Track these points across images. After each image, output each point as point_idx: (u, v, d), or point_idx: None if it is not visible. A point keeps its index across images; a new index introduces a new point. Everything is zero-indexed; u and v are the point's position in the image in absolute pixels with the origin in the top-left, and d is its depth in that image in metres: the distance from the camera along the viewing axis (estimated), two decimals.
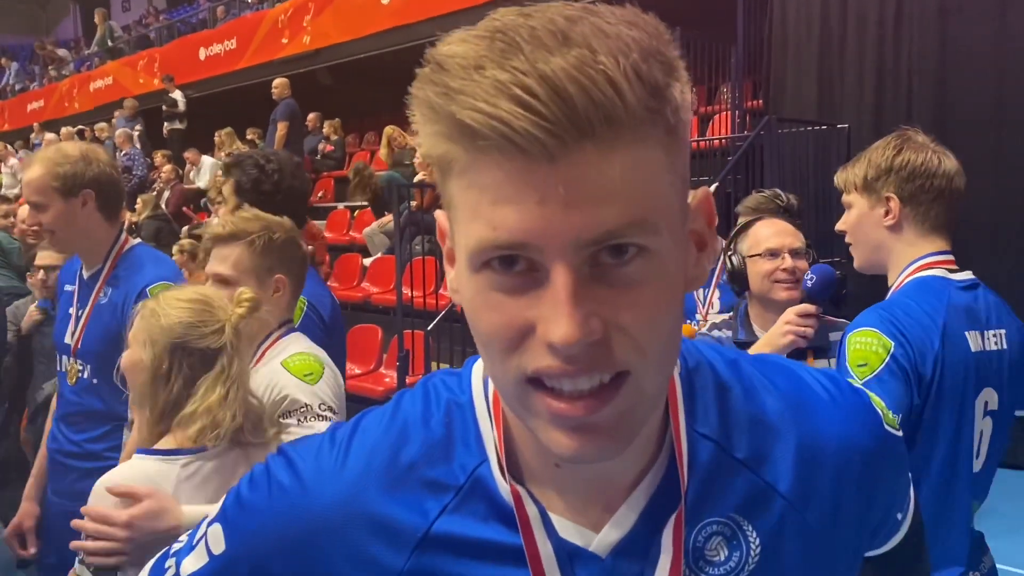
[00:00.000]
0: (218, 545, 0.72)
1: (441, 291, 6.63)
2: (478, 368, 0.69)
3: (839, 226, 1.81)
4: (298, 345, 1.84)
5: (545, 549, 0.63)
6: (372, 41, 10.33)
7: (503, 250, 0.52)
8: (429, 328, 5.57)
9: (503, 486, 0.64)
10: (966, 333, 1.65)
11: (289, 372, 1.74)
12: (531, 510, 0.64)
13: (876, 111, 6.18)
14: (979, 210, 5.03)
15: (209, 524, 0.74)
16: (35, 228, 2.28)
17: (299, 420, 1.67)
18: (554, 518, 0.64)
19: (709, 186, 0.58)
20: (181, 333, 1.52)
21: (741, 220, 2.56)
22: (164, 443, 1.51)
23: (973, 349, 1.66)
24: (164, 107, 12.26)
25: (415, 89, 0.54)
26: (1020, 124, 5.52)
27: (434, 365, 5.75)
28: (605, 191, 0.51)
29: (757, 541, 0.65)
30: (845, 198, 1.79)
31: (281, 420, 1.67)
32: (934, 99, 5.88)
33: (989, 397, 1.68)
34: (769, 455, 0.66)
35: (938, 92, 5.88)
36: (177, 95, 12.35)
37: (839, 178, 1.80)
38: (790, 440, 0.67)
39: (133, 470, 1.49)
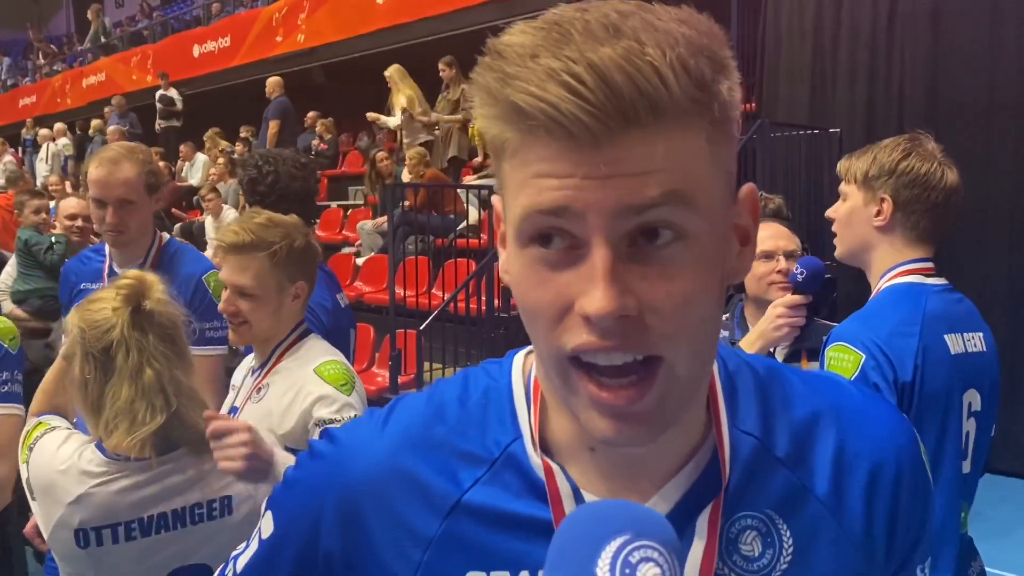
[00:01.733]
0: (267, 529, 0.73)
1: (433, 291, 6.63)
2: (520, 356, 0.71)
3: (829, 213, 1.82)
4: (323, 349, 1.86)
5: None
6: (367, 40, 10.32)
7: (545, 216, 0.55)
8: (422, 328, 5.57)
9: (536, 462, 0.66)
10: (945, 336, 1.67)
11: (324, 380, 1.76)
12: (563, 486, 0.65)
13: (868, 116, 6.21)
14: (968, 214, 5.06)
15: (262, 514, 0.75)
16: (116, 228, 2.25)
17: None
18: (588, 496, 0.65)
19: None
20: (82, 338, 1.49)
21: None
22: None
23: (953, 351, 1.67)
24: (160, 105, 12.20)
25: (475, 75, 0.57)
26: (1011, 129, 5.55)
27: (426, 365, 5.75)
28: (645, 169, 0.54)
29: (791, 541, 0.65)
30: (842, 187, 1.79)
31: (315, 427, 1.69)
32: (926, 104, 5.91)
33: (972, 398, 1.70)
34: (807, 457, 0.67)
35: (930, 97, 5.91)
36: (173, 93, 12.31)
37: (842, 165, 1.81)
38: (828, 445, 0.68)
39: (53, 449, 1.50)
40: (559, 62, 0.53)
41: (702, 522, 0.64)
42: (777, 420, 0.68)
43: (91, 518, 1.44)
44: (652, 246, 0.55)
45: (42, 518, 1.47)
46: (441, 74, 8.19)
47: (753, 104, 7.05)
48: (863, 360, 1.60)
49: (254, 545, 0.75)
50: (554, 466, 0.65)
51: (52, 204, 8.46)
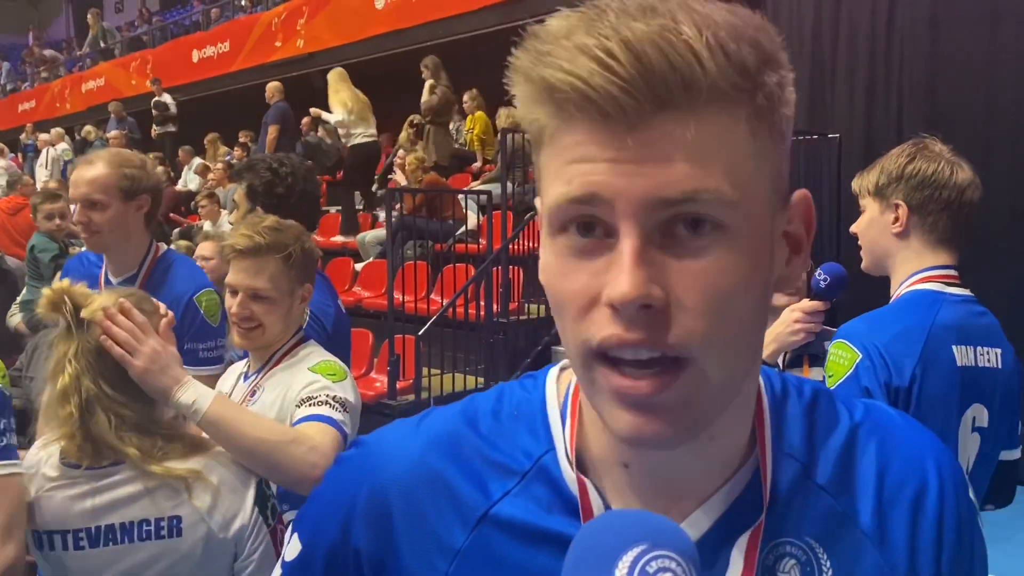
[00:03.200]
0: (293, 550, 0.71)
1: (432, 296, 6.62)
2: (555, 369, 0.70)
3: (852, 228, 1.84)
4: (319, 354, 1.86)
5: None
6: (366, 45, 10.34)
7: (575, 205, 0.54)
8: (420, 333, 5.57)
9: (569, 476, 0.64)
10: (953, 347, 1.65)
11: (314, 372, 1.76)
12: (596, 502, 0.63)
13: (867, 121, 6.22)
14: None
15: (287, 540, 0.73)
16: (82, 226, 2.26)
17: (309, 404, 1.67)
18: None
19: None
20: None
21: None
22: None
23: (959, 363, 1.65)
24: (155, 111, 12.20)
25: (513, 59, 0.56)
26: (1010, 134, 5.56)
27: (425, 370, 5.74)
28: (680, 154, 0.52)
29: (831, 571, 0.63)
30: (861, 202, 1.81)
31: (295, 408, 1.68)
32: (924, 110, 5.92)
33: (978, 413, 1.68)
34: (849, 484, 0.65)
35: (928, 103, 5.92)
36: (167, 99, 12.31)
37: (855, 184, 1.83)
38: (870, 472, 0.65)
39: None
40: (592, 39, 0.51)
41: (740, 546, 0.62)
42: (822, 445, 0.66)
43: (45, 522, 1.45)
44: (690, 236, 0.53)
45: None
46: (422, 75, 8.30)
47: None
48: (859, 360, 1.60)
49: (276, 572, 0.73)
50: (587, 481, 0.63)
51: None
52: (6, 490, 1.42)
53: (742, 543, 0.62)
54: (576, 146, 0.53)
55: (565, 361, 0.67)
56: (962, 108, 5.69)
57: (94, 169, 2.26)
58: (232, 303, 1.81)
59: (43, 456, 1.49)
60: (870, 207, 1.78)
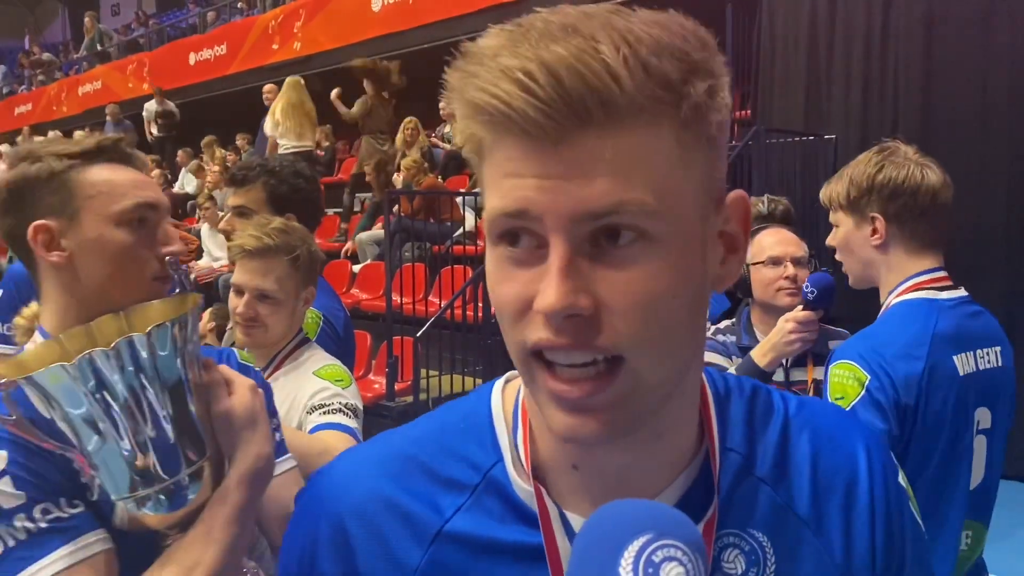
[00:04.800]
0: None
1: (430, 298, 6.62)
2: (500, 381, 0.72)
3: (829, 241, 1.80)
4: (322, 356, 1.86)
5: (564, 545, 0.63)
6: (362, 48, 10.32)
7: (508, 219, 0.56)
8: (418, 335, 5.56)
9: (519, 485, 0.65)
10: (954, 357, 1.63)
11: (321, 378, 1.77)
12: (551, 506, 0.64)
13: (863, 122, 6.23)
14: (963, 220, 5.07)
15: None
16: None
17: (323, 411, 1.69)
18: (571, 517, 0.64)
19: None
20: None
21: None
22: None
23: (962, 373, 1.63)
24: (159, 120, 12.16)
25: (446, 77, 0.58)
26: (1005, 134, 5.58)
27: (423, 372, 5.74)
28: (602, 169, 0.53)
29: (774, 559, 0.65)
30: (831, 216, 1.77)
31: (307, 415, 1.68)
32: (920, 110, 5.94)
33: (982, 416, 1.67)
34: (786, 475, 0.68)
35: (924, 103, 5.94)
36: (172, 106, 12.28)
37: (823, 195, 1.79)
38: (804, 462, 0.68)
39: None
40: (514, 60, 0.53)
41: None
42: (761, 439, 0.68)
43: None
44: (613, 246, 0.55)
45: None
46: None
47: (748, 111, 7.07)
48: (868, 380, 1.57)
49: None
50: (542, 489, 0.64)
51: None
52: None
53: None
54: (507, 161, 0.56)
55: (511, 373, 0.70)
56: (957, 108, 5.71)
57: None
58: (238, 303, 1.81)
59: None
60: (843, 221, 1.74)
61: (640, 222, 0.54)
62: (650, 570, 0.49)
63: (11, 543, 1.01)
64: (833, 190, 1.76)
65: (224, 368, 1.07)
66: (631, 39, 0.53)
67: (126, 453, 0.96)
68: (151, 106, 12.19)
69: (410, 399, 5.64)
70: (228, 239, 2.30)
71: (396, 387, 5.70)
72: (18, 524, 1.01)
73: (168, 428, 0.98)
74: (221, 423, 1.03)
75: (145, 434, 0.96)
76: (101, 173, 1.16)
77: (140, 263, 1.15)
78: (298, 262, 1.80)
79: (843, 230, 1.75)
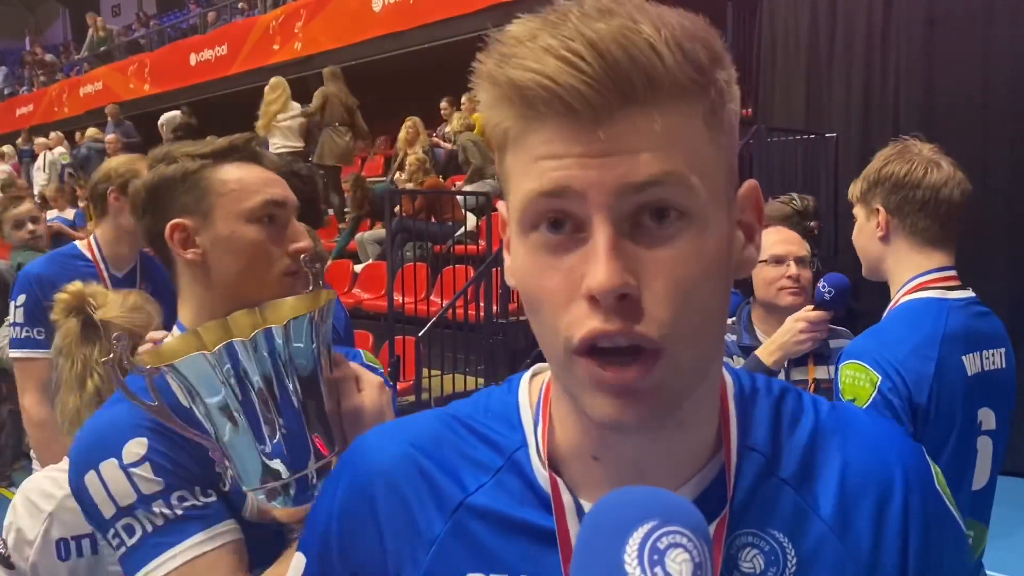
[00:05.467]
0: (298, 568, 0.73)
1: (432, 297, 6.63)
2: (527, 375, 0.73)
3: (852, 236, 1.84)
4: None
5: (576, 533, 0.62)
6: (364, 48, 10.34)
7: (548, 199, 0.56)
8: (420, 334, 5.57)
9: (540, 471, 0.66)
10: (963, 358, 1.64)
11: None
12: (567, 499, 0.65)
13: (864, 120, 6.24)
14: (964, 219, 5.06)
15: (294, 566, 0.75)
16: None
17: None
18: (587, 508, 0.64)
19: None
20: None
21: None
22: None
23: (970, 373, 1.64)
24: (178, 131, 12.09)
25: (476, 64, 0.58)
26: (1006, 133, 5.58)
27: (425, 371, 5.75)
28: (646, 145, 0.54)
29: (794, 561, 0.64)
30: (854, 211, 1.81)
31: None
32: (921, 108, 5.93)
33: (985, 417, 1.67)
34: (812, 478, 0.67)
35: (925, 101, 5.94)
36: (194, 123, 12.25)
37: (850, 192, 1.83)
38: (834, 467, 0.67)
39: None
40: (556, 40, 0.54)
41: None
42: (785, 439, 0.68)
43: (73, 526, 1.44)
44: (656, 226, 0.55)
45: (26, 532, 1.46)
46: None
47: (749, 110, 7.07)
48: (880, 381, 1.57)
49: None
50: (559, 479, 0.65)
51: (52, 215, 8.48)
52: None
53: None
54: (543, 144, 0.55)
55: (536, 367, 0.72)
56: (958, 107, 5.71)
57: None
58: None
59: (59, 478, 1.45)
60: (858, 214, 1.79)
61: (680, 198, 0.55)
62: (655, 556, 0.49)
63: (149, 528, 1.04)
64: (854, 185, 1.80)
65: (355, 365, 1.07)
66: (665, 21, 0.55)
67: (259, 445, 0.98)
68: (174, 117, 12.10)
69: (412, 399, 5.65)
70: None
71: (398, 387, 5.71)
72: (156, 510, 1.04)
73: (301, 419, 0.99)
74: (350, 419, 1.03)
75: (278, 426, 0.97)
76: (232, 172, 1.20)
77: (270, 259, 1.18)
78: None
79: (858, 223, 1.79)
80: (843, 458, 0.67)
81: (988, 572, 1.83)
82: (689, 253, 0.56)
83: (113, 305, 1.51)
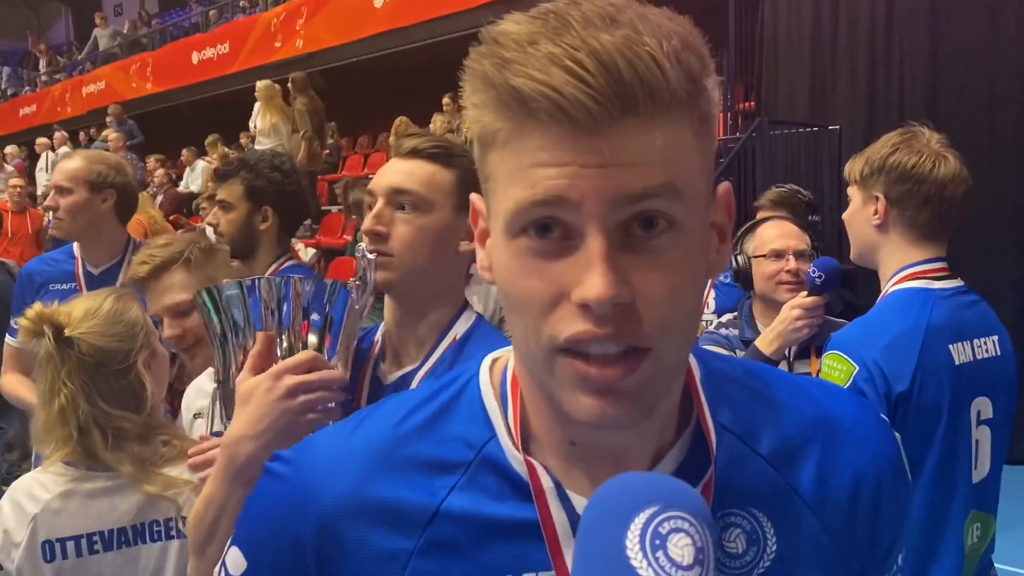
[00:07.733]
0: (237, 565, 0.69)
1: None
2: (487, 359, 0.71)
3: (843, 216, 1.81)
4: None
5: (560, 518, 0.63)
6: (365, 45, 10.34)
7: (540, 207, 0.55)
8: None
9: (516, 458, 0.64)
10: (950, 347, 1.63)
11: None
12: (546, 482, 0.64)
13: (868, 112, 6.21)
14: (972, 208, 5.04)
15: (225, 552, 0.71)
16: (53, 211, 2.50)
17: None
18: (569, 492, 0.64)
19: None
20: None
21: (760, 214, 2.66)
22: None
23: (957, 362, 1.63)
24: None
25: (469, 63, 0.57)
26: (1011, 124, 5.56)
27: None
28: (644, 157, 0.55)
29: (774, 540, 0.65)
30: (848, 190, 1.78)
31: None
32: (925, 100, 5.91)
33: (982, 406, 1.66)
34: (795, 459, 0.67)
35: (930, 92, 5.92)
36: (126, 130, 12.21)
37: (846, 167, 1.79)
38: (815, 449, 0.67)
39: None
40: (559, 48, 0.53)
41: None
42: (759, 417, 0.68)
43: (56, 528, 1.45)
44: (646, 236, 0.56)
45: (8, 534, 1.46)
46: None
47: (752, 103, 7.06)
48: (855, 372, 1.57)
49: None
50: (536, 463, 0.64)
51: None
52: None
53: None
54: (538, 151, 0.55)
55: (496, 352, 0.70)
56: (963, 98, 5.69)
57: (71, 162, 2.53)
58: (171, 330, 1.77)
59: (44, 480, 1.48)
60: (854, 196, 1.75)
61: (673, 211, 0.56)
62: (657, 541, 0.49)
63: None
64: (852, 165, 1.76)
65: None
66: (665, 32, 0.55)
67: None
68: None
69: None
70: (216, 232, 2.30)
71: None
72: None
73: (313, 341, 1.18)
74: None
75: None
76: None
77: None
78: (191, 263, 1.76)
79: (852, 205, 1.76)
80: (825, 441, 0.68)
81: (996, 564, 1.82)
82: (677, 261, 0.57)
83: (82, 321, 1.49)
